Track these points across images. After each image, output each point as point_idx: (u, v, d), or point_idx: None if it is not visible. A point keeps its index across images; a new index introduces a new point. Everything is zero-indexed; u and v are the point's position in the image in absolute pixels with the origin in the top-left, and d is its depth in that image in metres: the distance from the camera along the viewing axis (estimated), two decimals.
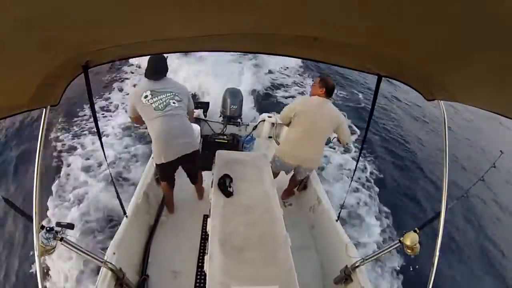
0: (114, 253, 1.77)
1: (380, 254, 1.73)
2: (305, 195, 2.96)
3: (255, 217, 1.86)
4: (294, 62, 8.60)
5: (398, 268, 3.31)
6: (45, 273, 2.63)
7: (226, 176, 2.08)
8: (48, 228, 1.18)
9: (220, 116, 3.87)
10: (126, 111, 5.44)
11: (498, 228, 4.91)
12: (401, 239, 1.48)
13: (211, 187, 2.09)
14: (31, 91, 0.93)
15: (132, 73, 6.94)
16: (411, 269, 3.34)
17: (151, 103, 2.03)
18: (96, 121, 1.57)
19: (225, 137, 3.68)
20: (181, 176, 2.48)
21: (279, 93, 7.10)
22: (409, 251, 1.47)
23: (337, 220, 2.33)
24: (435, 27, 0.63)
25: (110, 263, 1.62)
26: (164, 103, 2.05)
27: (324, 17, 0.71)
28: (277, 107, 6.44)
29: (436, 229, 1.30)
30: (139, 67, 6.94)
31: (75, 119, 4.98)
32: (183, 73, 6.53)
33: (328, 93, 2.41)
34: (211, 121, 3.85)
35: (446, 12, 0.54)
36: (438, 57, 0.82)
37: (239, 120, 3.87)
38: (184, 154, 2.17)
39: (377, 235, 3.72)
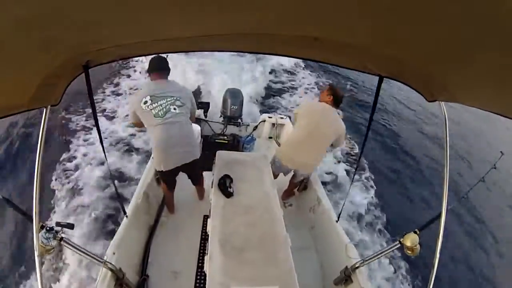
0: (114, 253, 1.77)
1: (380, 255, 1.72)
2: (305, 195, 2.96)
3: (255, 218, 1.86)
4: (296, 62, 8.61)
5: (398, 269, 3.31)
6: (45, 272, 2.63)
7: (226, 176, 2.08)
8: (48, 228, 1.18)
9: (221, 116, 3.87)
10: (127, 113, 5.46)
11: (499, 229, 4.89)
12: (401, 240, 1.48)
13: (211, 187, 2.09)
14: (31, 91, 0.93)
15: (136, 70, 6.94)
16: (411, 270, 3.33)
17: (151, 109, 1.96)
18: (96, 121, 1.57)
19: (225, 137, 3.68)
20: (181, 176, 2.48)
21: (280, 93, 7.10)
22: (409, 252, 1.46)
23: (337, 221, 2.33)
24: (435, 27, 0.63)
25: (110, 263, 1.62)
26: (164, 109, 1.97)
27: (325, 17, 0.71)
28: (278, 107, 6.47)
29: (436, 230, 1.30)
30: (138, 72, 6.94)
31: (75, 118, 4.99)
32: (188, 74, 6.55)
33: (335, 102, 2.40)
34: (212, 121, 3.85)
35: (446, 12, 0.54)
36: (439, 57, 0.82)
37: (239, 120, 3.87)
38: (184, 163, 2.13)
39: (377, 235, 3.72)
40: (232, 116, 3.73)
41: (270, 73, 7.83)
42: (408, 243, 1.44)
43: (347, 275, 1.93)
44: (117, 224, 2.67)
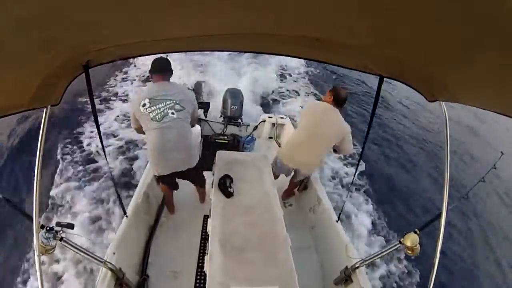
0: (114, 253, 1.77)
1: (380, 255, 1.72)
2: (306, 195, 2.96)
3: (256, 218, 1.86)
4: (298, 62, 8.60)
5: (398, 270, 3.31)
6: (45, 272, 2.63)
7: (226, 176, 2.08)
8: (48, 228, 1.18)
9: (221, 116, 3.87)
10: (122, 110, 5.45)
11: (499, 228, 4.89)
12: (401, 240, 1.48)
13: (212, 187, 2.09)
14: (31, 91, 0.93)
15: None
16: (411, 270, 3.33)
17: (149, 113, 1.89)
18: (96, 120, 1.57)
19: (225, 137, 3.69)
20: None
21: (281, 93, 7.10)
22: (409, 252, 1.46)
23: (337, 221, 2.33)
24: (435, 27, 0.63)
25: (110, 263, 1.62)
26: (162, 113, 1.90)
27: (325, 17, 0.71)
28: (279, 107, 6.47)
29: (436, 230, 1.30)
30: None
31: (75, 118, 4.99)
32: (188, 74, 6.56)
33: (336, 102, 2.37)
34: (212, 121, 3.85)
35: (446, 12, 0.54)
36: (439, 57, 0.82)
37: (239, 120, 3.87)
38: (178, 171, 2.07)
39: (377, 235, 3.72)
40: (232, 116, 3.73)
41: (272, 73, 7.83)
42: (408, 243, 1.44)
43: (347, 275, 1.93)
44: (117, 224, 2.67)
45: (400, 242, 1.48)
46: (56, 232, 1.21)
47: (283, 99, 6.87)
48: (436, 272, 1.27)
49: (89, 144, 4.45)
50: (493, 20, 0.51)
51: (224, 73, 6.92)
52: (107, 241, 2.90)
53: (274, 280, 1.49)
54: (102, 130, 2.07)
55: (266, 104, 6.40)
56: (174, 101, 1.93)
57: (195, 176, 2.30)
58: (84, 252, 1.42)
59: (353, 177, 2.32)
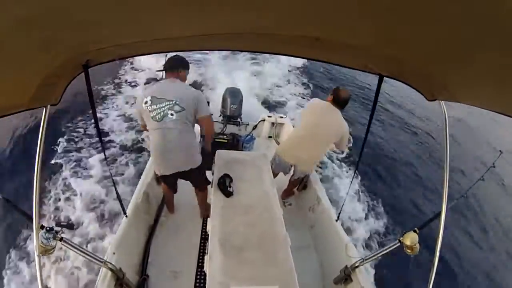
0: (114, 253, 1.76)
1: (380, 254, 1.73)
2: (305, 195, 2.96)
3: (255, 217, 1.86)
4: (299, 61, 8.61)
5: (398, 268, 3.31)
6: (46, 273, 2.63)
7: (226, 176, 2.08)
8: (48, 228, 1.17)
9: (220, 115, 3.87)
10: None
11: (499, 227, 4.91)
12: (401, 239, 1.48)
13: (211, 187, 2.09)
14: (31, 90, 0.93)
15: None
16: (411, 269, 3.34)
17: (150, 111, 1.88)
18: (96, 120, 1.57)
19: (225, 136, 3.68)
20: None
21: (282, 93, 7.10)
22: (409, 251, 1.46)
23: (337, 220, 2.33)
24: (435, 27, 0.63)
25: (110, 263, 1.62)
26: (162, 113, 1.87)
27: (326, 17, 0.71)
28: (280, 106, 6.47)
29: (436, 229, 1.30)
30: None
31: (75, 118, 4.98)
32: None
33: (336, 102, 2.38)
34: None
35: (446, 12, 0.54)
36: (439, 57, 0.82)
37: (239, 119, 3.87)
38: (181, 171, 2.05)
39: (376, 235, 3.72)
40: (231, 116, 3.73)
41: (273, 73, 7.83)
42: (407, 242, 1.44)
43: (347, 274, 1.94)
44: (117, 224, 2.67)
45: (400, 241, 1.49)
46: (56, 232, 1.20)
47: (283, 98, 6.88)
48: (435, 271, 1.28)
49: (88, 144, 4.45)
50: (493, 20, 0.51)
51: (224, 72, 6.91)
52: (107, 241, 2.90)
53: (274, 279, 1.49)
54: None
55: (266, 104, 6.40)
56: (173, 102, 1.87)
57: (197, 177, 2.26)
58: (84, 252, 1.42)
59: (352, 177, 2.33)
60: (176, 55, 2.04)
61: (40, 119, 1.12)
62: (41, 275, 1.07)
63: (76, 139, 4.54)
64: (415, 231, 1.45)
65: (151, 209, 2.54)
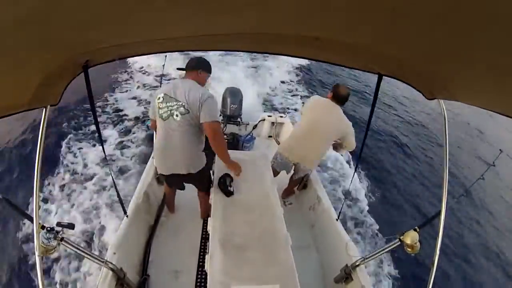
0: (114, 253, 1.77)
1: (380, 253, 1.73)
2: (305, 194, 2.96)
3: (256, 217, 1.86)
4: (299, 61, 8.60)
5: (399, 267, 3.32)
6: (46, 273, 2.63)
7: (226, 175, 2.08)
8: (48, 228, 1.17)
9: (220, 115, 3.87)
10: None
11: (499, 226, 4.92)
12: (401, 238, 1.48)
13: (212, 186, 2.09)
14: (31, 90, 0.93)
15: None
16: (411, 268, 3.34)
17: (160, 108, 1.86)
18: (96, 120, 1.57)
19: (225, 136, 3.68)
20: None
21: (282, 93, 7.10)
22: (409, 250, 1.47)
23: (337, 219, 2.34)
24: (434, 26, 0.63)
25: (111, 263, 1.62)
26: (168, 113, 1.84)
27: (325, 17, 0.71)
28: (280, 106, 6.47)
29: (436, 228, 1.31)
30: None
31: (76, 118, 4.98)
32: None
33: (336, 99, 2.37)
34: None
35: (446, 11, 0.54)
36: (438, 56, 0.82)
37: (239, 119, 3.87)
38: (178, 173, 2.00)
39: (376, 234, 3.73)
40: (231, 115, 3.73)
41: (274, 72, 7.83)
42: (408, 240, 1.44)
43: (347, 273, 1.94)
44: (118, 224, 2.67)
45: (400, 240, 1.49)
46: (57, 232, 1.20)
47: (283, 98, 6.87)
48: (436, 269, 1.28)
49: (88, 144, 4.45)
50: (493, 20, 0.51)
51: (223, 71, 6.90)
52: (107, 241, 2.90)
53: (274, 279, 1.49)
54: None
55: (266, 103, 6.40)
56: (180, 103, 1.82)
57: (197, 182, 2.22)
58: (85, 252, 1.42)
59: (352, 176, 2.33)
60: (200, 56, 2.00)
61: (40, 119, 1.13)
62: (41, 275, 1.07)
63: (77, 139, 4.54)
64: (415, 230, 1.46)
65: (152, 209, 2.54)
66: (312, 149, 2.48)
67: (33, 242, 1.09)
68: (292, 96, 7.07)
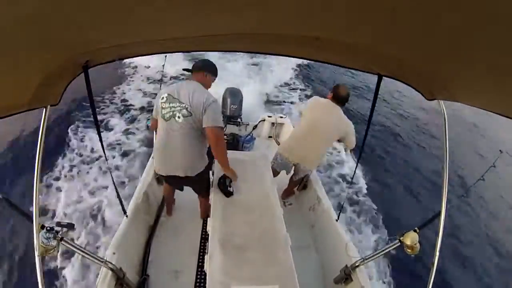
0: (114, 253, 1.77)
1: (380, 254, 1.73)
2: (305, 194, 2.96)
3: (255, 217, 1.86)
4: (299, 61, 8.60)
5: (398, 268, 3.31)
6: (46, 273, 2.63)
7: (226, 176, 2.07)
8: (48, 228, 1.17)
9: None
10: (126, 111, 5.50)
11: (499, 227, 4.91)
12: (401, 238, 1.48)
13: (211, 187, 2.09)
14: (31, 91, 0.93)
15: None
16: (411, 268, 3.34)
17: (162, 108, 1.84)
18: (96, 121, 1.57)
19: (225, 136, 3.68)
20: None
21: (282, 93, 7.10)
22: (409, 250, 1.46)
23: (337, 220, 2.33)
24: (434, 26, 0.63)
25: (110, 263, 1.62)
26: (171, 113, 1.81)
27: (325, 17, 0.71)
28: (280, 106, 6.47)
29: (436, 228, 1.30)
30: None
31: (76, 118, 4.98)
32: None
33: (336, 99, 2.38)
34: None
35: (446, 11, 0.54)
36: (438, 57, 0.82)
37: (239, 119, 3.87)
38: (176, 175, 1.96)
39: (376, 235, 3.72)
40: (231, 116, 3.73)
41: (273, 73, 7.83)
42: (408, 241, 1.44)
43: (347, 274, 1.94)
44: (117, 223, 2.66)
45: (400, 241, 1.49)
46: (57, 232, 1.20)
47: (284, 98, 6.87)
48: (435, 270, 1.28)
49: (88, 144, 4.45)
50: (493, 20, 0.51)
51: (223, 71, 6.91)
52: (107, 241, 2.90)
53: (274, 279, 1.49)
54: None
55: (266, 103, 6.40)
56: (183, 105, 1.79)
57: (196, 185, 2.21)
58: (85, 252, 1.42)
59: (352, 175, 2.32)
60: (207, 59, 2.01)
61: (40, 119, 1.12)
62: (41, 275, 1.06)
63: (76, 139, 4.54)
64: (415, 231, 1.45)
65: (151, 209, 2.54)
66: (312, 149, 2.48)
67: (33, 242, 1.09)
68: (290, 90, 7.09)
